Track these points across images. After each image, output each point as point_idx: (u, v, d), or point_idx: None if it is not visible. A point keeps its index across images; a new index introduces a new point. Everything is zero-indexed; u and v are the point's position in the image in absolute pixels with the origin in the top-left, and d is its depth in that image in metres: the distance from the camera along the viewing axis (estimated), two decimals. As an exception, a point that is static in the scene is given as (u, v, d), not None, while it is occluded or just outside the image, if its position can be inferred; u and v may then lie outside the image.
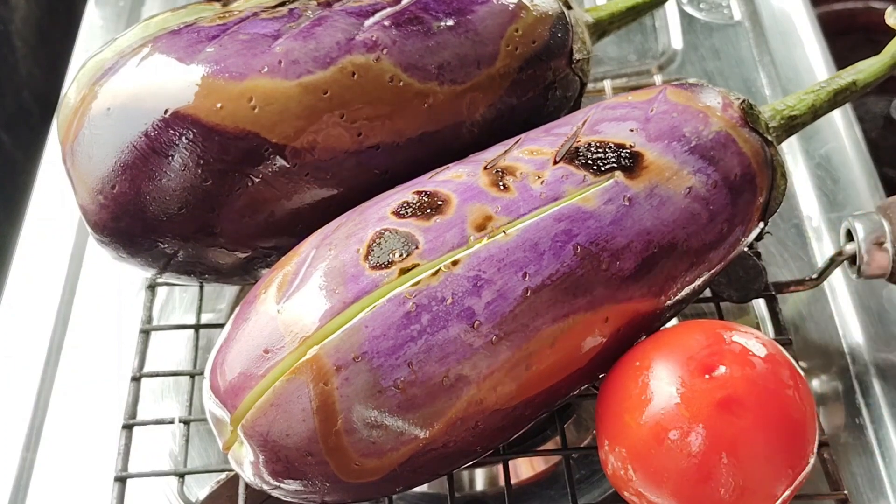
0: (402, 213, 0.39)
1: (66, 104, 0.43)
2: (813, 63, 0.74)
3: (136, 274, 0.60)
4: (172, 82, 0.41)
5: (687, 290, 0.43)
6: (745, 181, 0.43)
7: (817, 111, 0.47)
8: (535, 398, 0.39)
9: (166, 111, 0.41)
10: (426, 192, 0.40)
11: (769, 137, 0.45)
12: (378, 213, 0.39)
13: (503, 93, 0.47)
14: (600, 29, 0.52)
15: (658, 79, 0.60)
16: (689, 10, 0.79)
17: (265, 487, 0.38)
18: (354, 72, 0.43)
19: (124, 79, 0.42)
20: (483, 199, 0.39)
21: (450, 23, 0.45)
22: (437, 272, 0.37)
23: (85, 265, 0.63)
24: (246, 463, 0.38)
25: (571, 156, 0.41)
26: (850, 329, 0.58)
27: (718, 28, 0.78)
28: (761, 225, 0.45)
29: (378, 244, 0.38)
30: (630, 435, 0.37)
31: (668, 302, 0.42)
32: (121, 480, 0.44)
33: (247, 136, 0.41)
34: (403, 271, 0.37)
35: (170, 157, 0.41)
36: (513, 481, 0.45)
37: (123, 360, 0.56)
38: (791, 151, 0.69)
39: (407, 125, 0.44)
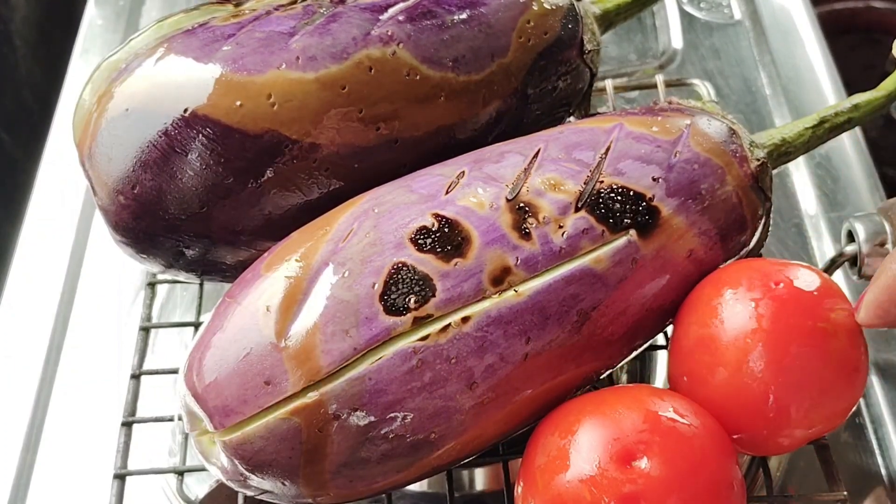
0: (420, 243, 0.38)
1: (81, 106, 0.43)
2: (813, 62, 0.74)
3: (135, 274, 0.61)
4: (190, 81, 0.41)
5: (656, 335, 0.43)
6: (738, 244, 0.43)
7: (809, 146, 0.47)
8: (505, 437, 0.40)
9: (186, 110, 0.41)
10: (446, 220, 0.38)
11: (769, 193, 0.45)
12: (395, 235, 0.38)
13: (517, 84, 0.47)
14: (607, 20, 0.52)
15: (660, 79, 0.60)
16: (689, 9, 0.79)
17: (229, 483, 0.38)
18: (371, 66, 0.43)
19: (141, 79, 0.42)
20: (504, 246, 0.38)
21: (463, 15, 0.45)
22: (446, 328, 0.36)
23: (85, 265, 0.63)
24: (215, 460, 0.38)
25: (593, 203, 0.40)
26: (851, 329, 0.58)
27: (719, 27, 0.78)
28: None
29: (395, 282, 0.37)
30: (537, 493, 0.37)
31: (638, 350, 0.43)
32: (120, 478, 0.44)
33: (267, 133, 0.41)
34: (416, 320, 0.36)
35: (190, 156, 0.41)
36: (512, 481, 0.45)
37: (123, 360, 0.56)
38: (791, 151, 0.69)
39: (424, 118, 0.44)
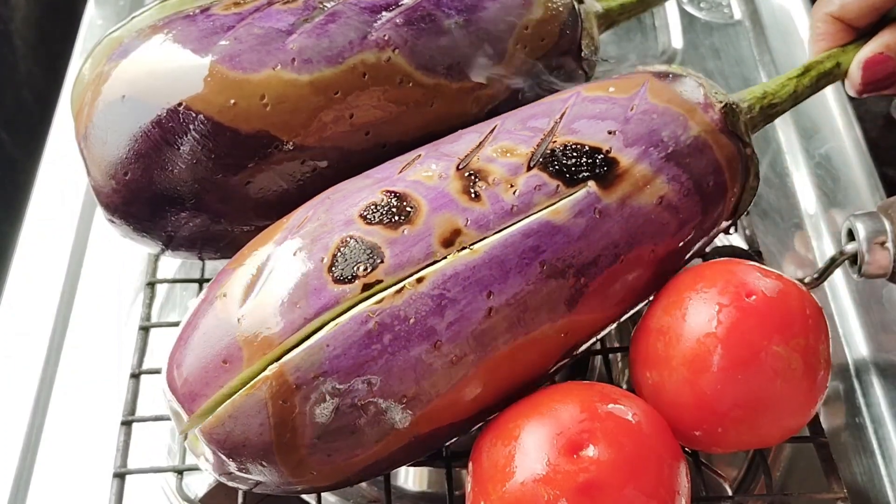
0: (369, 217, 0.38)
1: (80, 80, 0.44)
2: (813, 62, 0.74)
3: (135, 274, 0.61)
4: (187, 75, 0.41)
5: (646, 294, 0.43)
6: (718, 188, 0.43)
7: (798, 97, 0.47)
8: (490, 408, 0.39)
9: (180, 104, 0.41)
10: (395, 194, 0.39)
11: (746, 139, 0.44)
12: (345, 214, 0.38)
13: (509, 90, 0.47)
14: (609, 19, 0.52)
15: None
16: (689, 9, 0.79)
17: (223, 479, 0.38)
18: (365, 72, 0.43)
19: (139, 65, 0.42)
20: (453, 209, 0.38)
21: (461, 20, 0.45)
22: (401, 290, 0.36)
23: (85, 265, 0.63)
24: (202, 455, 0.38)
25: (546, 161, 0.40)
26: (850, 329, 0.58)
27: (718, 27, 0.78)
28: (726, 223, 0.45)
29: (343, 254, 0.37)
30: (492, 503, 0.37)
31: (627, 308, 0.42)
32: (120, 477, 0.44)
33: (258, 133, 0.42)
34: (367, 287, 0.36)
35: (182, 150, 0.41)
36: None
37: (123, 360, 0.56)
38: (791, 151, 0.69)
39: (414, 124, 0.45)
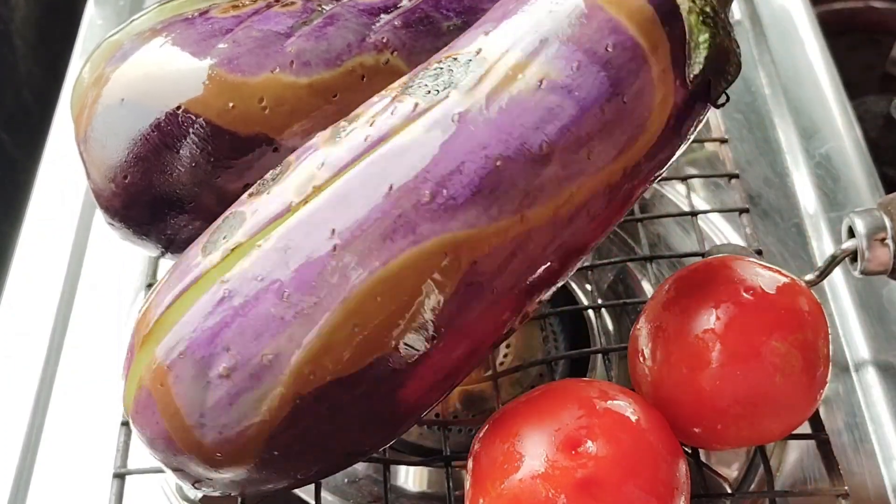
0: (252, 192, 0.38)
1: (80, 82, 0.44)
2: (813, 62, 0.74)
3: (135, 274, 0.61)
4: (185, 78, 0.42)
5: (588, 193, 0.37)
6: (623, 48, 0.37)
7: None
8: (388, 358, 0.36)
9: (179, 107, 0.41)
10: (281, 164, 0.39)
11: None
12: (240, 198, 0.39)
13: None
14: None
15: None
16: (688, 9, 0.79)
17: (192, 487, 0.39)
18: (364, 74, 0.43)
19: (139, 68, 0.42)
20: (313, 158, 0.37)
21: (459, 22, 0.45)
22: (250, 252, 0.36)
23: (85, 265, 0.63)
24: None
25: (410, 84, 0.38)
26: (850, 329, 0.58)
27: (718, 28, 0.78)
28: (679, 82, 0.38)
29: (214, 229, 0.38)
30: (491, 501, 0.37)
31: (553, 215, 0.37)
32: (120, 477, 0.44)
33: (257, 136, 0.42)
34: (225, 255, 0.36)
35: (181, 153, 0.42)
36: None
37: (123, 360, 0.56)
38: (791, 151, 0.69)
39: None
